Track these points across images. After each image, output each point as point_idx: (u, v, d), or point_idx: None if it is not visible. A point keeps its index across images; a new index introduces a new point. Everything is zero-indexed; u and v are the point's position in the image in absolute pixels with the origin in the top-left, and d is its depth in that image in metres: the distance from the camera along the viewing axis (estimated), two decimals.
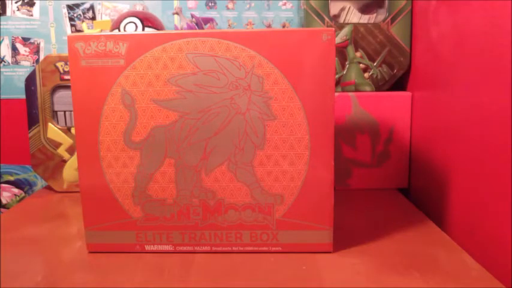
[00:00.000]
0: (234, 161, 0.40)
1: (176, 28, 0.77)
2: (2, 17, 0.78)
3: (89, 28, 0.76)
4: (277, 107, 0.39)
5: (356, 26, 0.63)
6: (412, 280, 0.36)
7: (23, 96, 0.76)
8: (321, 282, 0.36)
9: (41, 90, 0.61)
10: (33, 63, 0.79)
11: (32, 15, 0.78)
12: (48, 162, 0.62)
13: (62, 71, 0.60)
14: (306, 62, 0.39)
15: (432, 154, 0.55)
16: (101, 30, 0.70)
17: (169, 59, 0.39)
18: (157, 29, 0.68)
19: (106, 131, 0.41)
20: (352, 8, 0.66)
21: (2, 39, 0.78)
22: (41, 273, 0.39)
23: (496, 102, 0.40)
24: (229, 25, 0.79)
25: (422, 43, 0.60)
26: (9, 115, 0.80)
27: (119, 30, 0.66)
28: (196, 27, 0.71)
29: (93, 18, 0.78)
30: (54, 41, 0.79)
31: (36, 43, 0.79)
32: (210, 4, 0.78)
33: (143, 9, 0.76)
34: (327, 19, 0.64)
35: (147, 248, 0.42)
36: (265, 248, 0.42)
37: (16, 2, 0.77)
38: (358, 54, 0.64)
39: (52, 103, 0.61)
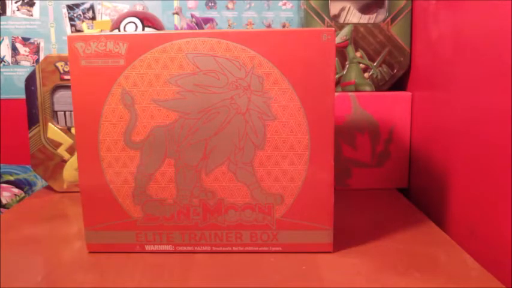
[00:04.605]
0: (234, 161, 0.40)
1: (176, 28, 0.77)
2: (2, 17, 0.78)
3: (89, 28, 0.76)
4: (277, 107, 0.39)
5: (356, 26, 0.63)
6: (412, 280, 0.36)
7: (23, 96, 0.76)
8: (321, 282, 0.36)
9: (41, 90, 0.61)
10: (33, 63, 0.79)
11: (32, 15, 0.78)
12: (48, 162, 0.62)
13: (62, 71, 0.60)
14: (306, 62, 0.39)
15: (432, 154, 0.55)
16: (101, 30, 0.70)
17: (169, 59, 0.39)
18: (157, 29, 0.68)
19: (106, 131, 0.41)
20: (352, 8, 0.66)
21: (2, 39, 0.78)
22: (41, 273, 0.39)
23: (496, 102, 0.40)
24: (229, 25, 0.79)
25: (422, 43, 0.59)
26: (9, 115, 0.80)
27: (119, 30, 0.66)
28: (196, 27, 0.71)
29: (93, 18, 0.78)
30: (54, 41, 0.79)
31: (36, 43, 0.79)
32: (210, 4, 0.78)
33: (143, 9, 0.76)
34: (327, 19, 0.64)
35: (147, 248, 0.42)
36: (265, 248, 0.42)
37: (16, 2, 0.77)
38: (358, 54, 0.64)
39: (52, 103, 0.61)
